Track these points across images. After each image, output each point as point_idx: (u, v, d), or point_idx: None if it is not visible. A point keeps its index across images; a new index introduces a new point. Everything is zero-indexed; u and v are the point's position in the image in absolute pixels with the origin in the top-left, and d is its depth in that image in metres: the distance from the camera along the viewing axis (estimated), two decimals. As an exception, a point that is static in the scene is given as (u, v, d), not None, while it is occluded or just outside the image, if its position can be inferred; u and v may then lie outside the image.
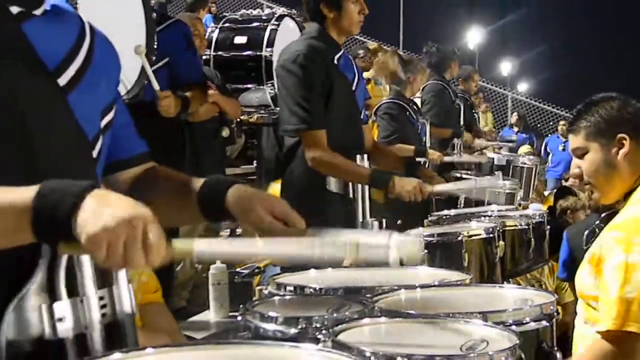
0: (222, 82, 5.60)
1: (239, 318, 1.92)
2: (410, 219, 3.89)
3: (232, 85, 5.86)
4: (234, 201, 1.64)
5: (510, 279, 3.86)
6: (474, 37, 32.59)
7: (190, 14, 6.86)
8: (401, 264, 1.58)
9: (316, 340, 1.64)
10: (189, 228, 4.94)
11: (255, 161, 7.18)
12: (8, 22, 1.48)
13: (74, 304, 1.42)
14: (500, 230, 3.46)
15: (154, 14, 4.10)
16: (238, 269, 4.32)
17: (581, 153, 2.65)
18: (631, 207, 2.54)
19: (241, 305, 1.94)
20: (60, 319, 1.39)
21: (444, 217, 3.97)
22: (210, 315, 3.82)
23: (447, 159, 5.75)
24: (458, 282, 2.26)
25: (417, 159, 5.38)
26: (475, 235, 3.29)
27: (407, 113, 5.74)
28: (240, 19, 6.41)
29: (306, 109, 3.40)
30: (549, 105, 18.62)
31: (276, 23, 6.06)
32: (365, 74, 6.03)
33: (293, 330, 1.78)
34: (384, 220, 3.52)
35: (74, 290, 1.43)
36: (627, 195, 2.61)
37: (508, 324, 1.75)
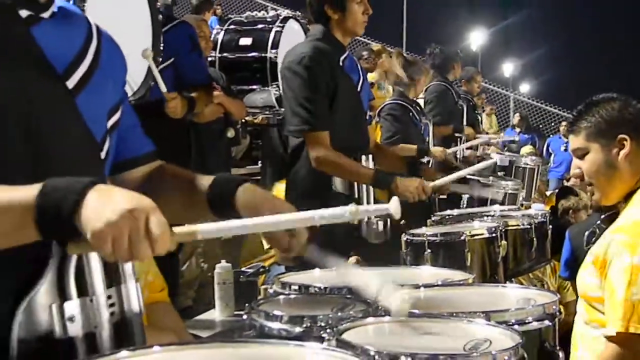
0: (227, 83, 5.60)
1: (244, 317, 1.92)
2: (413, 219, 3.89)
3: (237, 87, 5.87)
4: (243, 200, 1.64)
5: (513, 279, 3.86)
6: (476, 38, 32.59)
7: (195, 16, 6.87)
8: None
9: (321, 339, 1.63)
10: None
11: (260, 162, 7.18)
12: (18, 26, 1.48)
13: (83, 303, 1.42)
14: (503, 230, 3.45)
15: (160, 16, 4.10)
16: (243, 269, 4.32)
17: (581, 154, 2.62)
18: (634, 209, 2.51)
19: (246, 304, 1.94)
20: (70, 318, 1.40)
21: (447, 217, 3.97)
22: (216, 314, 3.81)
23: (449, 150, 5.75)
24: (461, 282, 2.26)
25: (420, 159, 5.39)
26: (478, 235, 3.29)
27: (410, 114, 5.73)
28: (245, 21, 6.41)
29: (310, 110, 3.40)
30: (550, 106, 18.61)
31: (281, 25, 6.06)
32: (370, 77, 6.03)
33: (298, 329, 1.78)
34: (388, 221, 3.52)
35: (83, 290, 1.43)
36: (628, 196, 2.58)
37: (511, 323, 1.75)
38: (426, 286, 2.14)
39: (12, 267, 1.36)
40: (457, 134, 6.72)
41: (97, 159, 1.59)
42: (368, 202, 3.48)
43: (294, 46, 3.67)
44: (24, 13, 1.50)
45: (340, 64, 3.58)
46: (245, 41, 6.16)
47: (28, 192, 1.28)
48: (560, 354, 1.83)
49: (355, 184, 3.50)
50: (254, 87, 6.02)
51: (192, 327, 3.42)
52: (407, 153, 5.36)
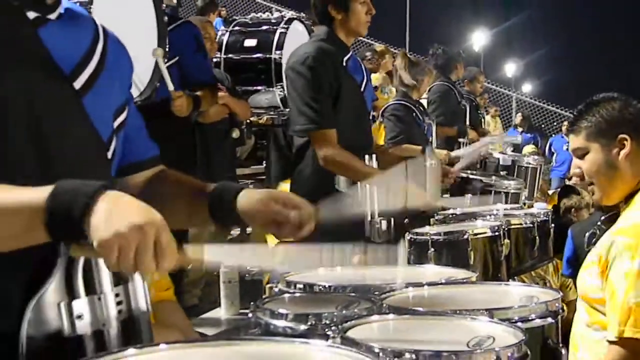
0: (232, 84, 5.61)
1: (250, 315, 1.92)
2: (417, 218, 3.88)
3: (242, 87, 5.87)
4: (244, 207, 1.66)
5: (515, 277, 3.85)
6: (479, 39, 32.56)
7: (200, 17, 6.89)
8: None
9: (325, 337, 1.63)
10: (198, 229, 4.95)
11: (264, 162, 7.18)
12: (25, 28, 1.49)
13: (91, 301, 1.43)
14: (506, 229, 3.45)
15: (165, 17, 4.11)
16: (248, 267, 4.32)
17: (582, 153, 2.60)
18: (636, 212, 2.47)
19: (252, 303, 1.94)
20: (78, 316, 1.40)
21: (450, 215, 3.96)
22: (222, 312, 3.83)
23: (453, 154, 5.74)
24: (464, 280, 2.26)
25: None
26: (481, 233, 3.28)
27: (414, 114, 5.73)
28: (250, 22, 6.41)
29: (315, 109, 3.40)
30: (552, 106, 18.59)
31: (285, 26, 6.07)
32: (373, 80, 6.03)
33: (303, 327, 1.78)
34: (391, 220, 3.52)
35: (91, 288, 1.43)
36: (629, 196, 2.55)
37: (514, 320, 1.74)
38: (430, 284, 2.14)
39: (21, 266, 1.37)
40: (460, 139, 6.71)
41: (104, 160, 1.59)
42: (371, 205, 3.48)
43: (298, 47, 3.67)
44: (31, 14, 1.50)
45: (344, 64, 3.58)
46: (250, 42, 6.17)
47: (38, 194, 1.28)
48: (563, 351, 1.82)
49: (359, 184, 3.49)
50: (259, 87, 6.02)
51: (198, 325, 3.44)
52: (412, 153, 5.35)
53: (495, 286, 2.29)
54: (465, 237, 3.21)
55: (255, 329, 1.87)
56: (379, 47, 8.75)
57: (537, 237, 3.79)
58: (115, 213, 1.26)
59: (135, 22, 3.79)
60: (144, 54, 3.82)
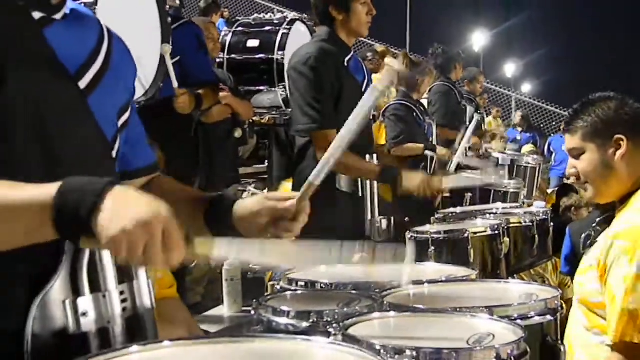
0: (235, 84, 5.61)
1: (252, 312, 1.92)
2: (417, 217, 3.89)
3: (245, 88, 5.87)
4: (239, 214, 1.68)
5: (515, 275, 3.85)
6: (479, 39, 32.53)
7: (203, 18, 6.88)
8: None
9: (327, 334, 1.64)
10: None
11: (266, 161, 7.18)
12: (31, 28, 1.49)
13: (96, 299, 1.43)
14: (505, 227, 3.46)
15: (169, 18, 4.11)
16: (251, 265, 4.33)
17: (577, 153, 2.56)
18: (634, 214, 2.42)
19: (254, 300, 1.94)
20: (83, 314, 1.40)
21: (451, 214, 3.97)
22: (224, 309, 3.82)
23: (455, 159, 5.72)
24: (464, 278, 2.26)
25: (427, 152, 5.40)
26: (481, 232, 3.28)
27: (414, 114, 5.73)
28: (252, 23, 6.41)
29: (317, 109, 3.40)
30: (551, 106, 18.58)
31: (288, 27, 6.06)
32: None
33: (305, 324, 1.78)
34: (392, 219, 3.52)
35: (96, 286, 1.43)
36: (625, 197, 2.50)
37: (513, 318, 1.75)
38: (431, 282, 2.14)
39: (26, 264, 1.37)
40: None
41: (109, 158, 1.60)
42: (372, 201, 3.48)
43: (300, 47, 3.67)
44: (36, 15, 1.50)
45: (345, 64, 3.58)
46: (253, 43, 6.16)
47: (45, 191, 1.27)
48: (562, 348, 1.82)
49: (360, 183, 3.49)
50: (261, 88, 6.02)
51: (201, 323, 3.43)
52: (414, 152, 5.36)
53: (495, 284, 2.29)
54: (466, 235, 3.21)
55: (257, 326, 1.87)
56: (379, 47, 8.74)
57: (536, 236, 3.80)
58: (122, 210, 1.25)
59: (139, 23, 3.79)
60: (148, 54, 3.82)
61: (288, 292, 2.12)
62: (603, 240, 2.40)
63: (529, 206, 5.27)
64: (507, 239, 3.40)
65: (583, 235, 2.63)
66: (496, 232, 3.32)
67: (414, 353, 1.43)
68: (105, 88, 1.58)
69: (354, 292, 2.02)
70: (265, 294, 2.23)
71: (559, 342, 1.84)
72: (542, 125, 18.09)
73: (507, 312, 1.78)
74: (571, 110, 2.63)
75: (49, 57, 1.48)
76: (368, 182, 3.51)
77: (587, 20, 45.00)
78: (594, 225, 2.60)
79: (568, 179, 2.72)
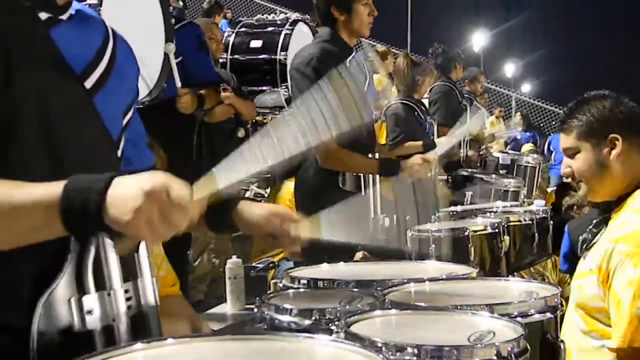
0: (238, 84, 5.61)
1: (255, 310, 1.92)
2: (418, 215, 3.88)
3: (248, 88, 5.87)
4: (245, 220, 1.72)
5: (515, 273, 3.85)
6: (478, 40, 32.51)
7: (207, 19, 6.89)
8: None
9: (329, 331, 1.63)
10: (199, 235, 4.96)
11: (269, 160, 7.18)
12: (38, 29, 1.49)
13: (101, 297, 1.43)
14: (505, 226, 3.45)
15: (172, 19, 4.11)
16: (253, 264, 4.33)
17: (572, 152, 2.52)
18: (634, 216, 2.38)
19: (257, 298, 1.94)
20: (89, 312, 1.41)
21: (451, 213, 3.96)
22: (227, 307, 3.82)
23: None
24: (465, 276, 2.26)
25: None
26: (481, 230, 3.28)
27: (416, 113, 5.73)
28: (255, 23, 6.41)
29: (317, 110, 3.39)
30: (551, 105, 18.57)
31: (290, 28, 6.06)
32: (376, 82, 6.02)
33: (307, 322, 1.78)
34: (394, 217, 3.52)
35: (101, 284, 1.44)
36: (620, 199, 2.46)
37: (514, 315, 1.74)
38: (432, 280, 2.14)
39: (32, 262, 1.37)
40: (461, 143, 6.69)
41: (115, 157, 1.60)
42: (374, 199, 3.48)
43: (302, 48, 3.67)
44: (43, 15, 1.50)
45: (347, 64, 3.58)
46: (256, 44, 6.16)
47: (51, 190, 1.28)
48: (562, 346, 1.82)
49: (362, 182, 3.49)
50: (264, 88, 6.02)
51: (204, 320, 3.43)
52: (414, 150, 5.35)
53: (495, 282, 2.28)
54: (466, 233, 3.21)
55: (260, 323, 1.87)
56: (380, 48, 8.74)
57: (536, 234, 3.79)
58: (125, 195, 1.27)
59: (143, 24, 3.79)
60: (152, 55, 3.82)
61: (290, 290, 2.12)
62: (603, 244, 2.36)
63: (529, 205, 5.27)
64: (507, 237, 3.39)
65: (580, 238, 2.59)
66: (496, 230, 3.31)
67: (415, 350, 1.43)
68: (110, 88, 1.58)
69: (355, 290, 2.02)
70: (268, 292, 2.24)
71: (559, 339, 1.84)
72: (541, 125, 18.09)
73: (507, 309, 1.77)
74: (566, 108, 2.59)
75: (55, 58, 1.49)
76: (371, 181, 3.51)
77: (587, 20, 44.90)
78: (591, 227, 2.56)
79: (567, 177, 2.69)
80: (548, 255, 4.17)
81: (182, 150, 4.68)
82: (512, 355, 1.45)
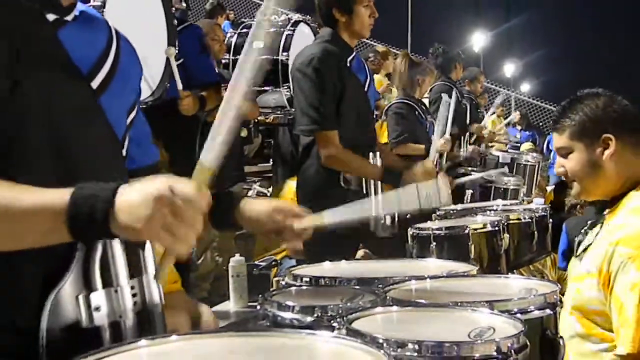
0: (240, 85, 5.61)
1: (258, 307, 1.92)
2: (419, 213, 3.89)
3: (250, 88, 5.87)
4: (247, 217, 1.72)
5: (514, 270, 3.85)
6: (478, 40, 32.48)
7: (209, 20, 6.89)
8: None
9: (331, 328, 1.64)
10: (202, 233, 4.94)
11: (271, 159, 7.19)
12: (46, 30, 1.49)
13: (108, 293, 1.44)
14: (505, 224, 3.45)
15: (175, 20, 4.11)
16: (256, 262, 4.34)
17: (565, 152, 2.46)
18: (632, 217, 2.30)
19: (260, 296, 1.94)
20: (96, 308, 1.41)
21: (452, 211, 3.97)
22: (230, 305, 3.83)
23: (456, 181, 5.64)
24: (465, 273, 2.26)
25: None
26: (481, 228, 3.28)
27: (416, 113, 5.73)
28: (257, 24, 6.40)
29: (320, 110, 3.41)
30: (550, 105, 18.55)
31: (292, 29, 6.07)
32: (376, 83, 6.03)
33: (309, 319, 1.78)
34: (395, 215, 3.52)
35: (108, 281, 1.44)
36: (614, 199, 2.40)
37: (513, 312, 1.74)
38: (432, 277, 2.14)
39: (40, 260, 1.37)
40: (461, 141, 6.70)
41: (120, 156, 1.61)
42: (375, 198, 3.48)
43: (303, 48, 3.68)
44: (50, 17, 1.51)
45: (348, 64, 3.58)
46: (258, 44, 6.16)
47: (58, 197, 1.28)
48: (561, 342, 1.82)
49: (364, 180, 3.50)
50: (266, 88, 6.03)
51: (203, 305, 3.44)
52: (415, 152, 5.36)
53: (495, 279, 2.28)
54: (466, 231, 3.21)
55: (263, 320, 1.87)
56: (381, 48, 8.75)
57: (535, 232, 3.79)
58: (133, 204, 1.26)
59: (146, 25, 3.79)
60: (155, 56, 3.82)
61: (293, 288, 2.12)
62: (601, 245, 2.29)
63: (528, 203, 5.27)
64: (506, 235, 3.39)
65: (576, 240, 2.55)
66: (496, 228, 3.31)
67: (416, 346, 1.43)
68: (114, 89, 1.59)
69: (357, 287, 2.02)
70: (271, 290, 2.24)
71: (558, 335, 1.84)
72: (540, 124, 18.07)
73: (507, 306, 1.77)
74: (559, 107, 2.53)
75: (63, 59, 1.49)
76: (372, 180, 3.51)
77: (587, 20, 44.75)
78: (585, 228, 2.52)
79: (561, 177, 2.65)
80: (547, 253, 4.17)
81: (184, 149, 4.68)
82: (512, 351, 1.45)
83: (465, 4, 39.64)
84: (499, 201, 4.65)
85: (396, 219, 3.49)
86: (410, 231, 3.26)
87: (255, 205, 1.72)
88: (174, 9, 4.19)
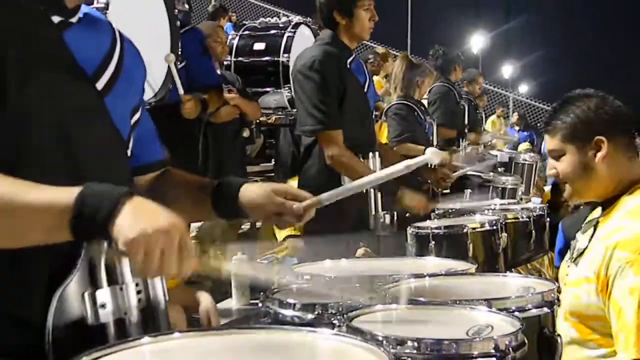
0: (242, 86, 5.62)
1: (260, 305, 1.92)
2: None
3: (252, 89, 5.88)
4: (246, 201, 1.69)
5: (512, 269, 3.84)
6: (477, 42, 32.47)
7: (212, 22, 6.90)
8: None
9: (332, 325, 1.64)
10: (210, 224, 4.96)
11: (273, 159, 7.19)
12: (52, 32, 1.49)
13: (114, 291, 1.44)
14: (503, 223, 3.44)
15: (178, 22, 4.12)
16: (258, 260, 4.33)
17: (557, 155, 2.41)
18: (629, 221, 2.25)
19: (261, 293, 1.94)
20: (102, 305, 1.42)
21: (450, 210, 3.96)
22: (233, 302, 3.83)
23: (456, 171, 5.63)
24: (464, 272, 2.26)
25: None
26: (479, 227, 3.28)
27: (415, 113, 5.73)
28: (259, 26, 6.42)
29: (322, 111, 3.41)
30: (548, 106, 18.53)
31: (292, 30, 6.08)
32: (376, 85, 6.04)
33: (310, 316, 1.78)
34: (394, 214, 3.52)
35: (113, 278, 1.44)
36: (608, 201, 2.36)
37: (511, 310, 1.74)
38: (431, 275, 2.14)
39: (46, 258, 1.38)
40: (460, 139, 6.69)
41: (124, 156, 1.61)
42: (375, 199, 3.48)
43: (304, 50, 3.68)
44: (55, 19, 1.51)
45: (348, 66, 3.58)
46: (259, 46, 6.18)
47: (66, 194, 1.29)
48: (559, 340, 1.82)
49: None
50: (268, 89, 6.05)
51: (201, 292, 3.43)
52: (414, 153, 5.35)
53: (493, 277, 2.28)
54: (465, 230, 3.21)
55: (264, 318, 1.87)
56: (380, 49, 8.74)
57: (533, 231, 3.79)
58: (141, 215, 1.27)
59: (149, 27, 3.80)
60: (158, 58, 3.83)
61: (294, 286, 2.12)
62: (597, 249, 2.25)
63: (526, 202, 5.27)
64: (504, 234, 3.38)
65: (572, 242, 2.52)
66: (494, 227, 3.31)
67: (415, 344, 1.44)
68: (119, 90, 1.59)
69: (357, 285, 2.02)
70: (272, 288, 2.23)
71: (556, 333, 1.84)
72: (538, 124, 18.05)
73: (505, 304, 1.77)
74: (551, 109, 2.48)
75: (68, 60, 1.49)
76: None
77: (587, 20, 44.60)
78: (579, 232, 2.49)
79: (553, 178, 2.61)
80: (545, 251, 4.17)
81: (188, 150, 4.69)
82: (510, 348, 1.45)
83: (465, 5, 39.64)
84: (497, 200, 4.64)
85: (395, 217, 3.49)
86: (409, 230, 3.26)
87: (254, 188, 1.71)
88: (176, 11, 4.19)
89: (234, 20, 10.96)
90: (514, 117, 15.50)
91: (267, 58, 6.13)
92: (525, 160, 6.78)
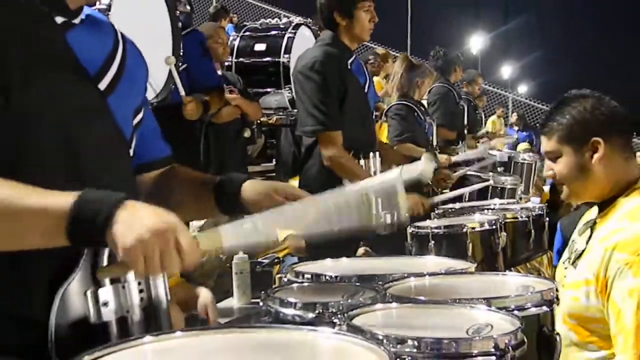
0: (243, 86, 5.62)
1: (261, 304, 1.92)
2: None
3: (253, 90, 5.89)
4: (248, 198, 1.69)
5: (511, 268, 3.84)
6: (476, 42, 32.47)
7: (213, 23, 6.91)
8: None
9: (332, 324, 1.64)
10: (213, 220, 4.95)
11: (274, 159, 7.20)
12: (55, 33, 1.50)
13: (116, 289, 1.44)
14: (502, 222, 3.44)
15: (180, 24, 4.12)
16: (259, 259, 4.33)
17: (554, 156, 2.39)
18: (627, 222, 2.23)
19: (262, 292, 1.94)
20: (104, 304, 1.42)
21: (450, 210, 3.96)
22: (234, 301, 3.83)
23: (454, 159, 5.70)
24: (463, 271, 2.26)
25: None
26: (479, 227, 3.28)
27: (415, 114, 5.73)
28: (259, 27, 6.42)
29: (323, 111, 3.41)
30: (547, 106, 18.52)
31: (293, 31, 6.08)
32: (377, 86, 6.04)
33: (311, 315, 1.78)
34: (395, 214, 3.52)
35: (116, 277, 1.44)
36: (605, 202, 2.35)
37: (511, 309, 1.74)
38: (431, 274, 2.14)
39: (49, 257, 1.38)
40: (460, 142, 6.69)
41: (127, 156, 1.61)
42: (375, 200, 3.48)
43: (305, 51, 3.68)
44: (59, 19, 1.51)
45: (348, 67, 3.59)
46: (260, 47, 6.19)
47: (63, 200, 1.29)
48: (558, 338, 1.82)
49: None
50: (269, 89, 6.05)
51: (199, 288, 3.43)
52: (415, 153, 5.35)
53: (493, 276, 2.27)
54: (464, 230, 3.21)
55: (265, 317, 1.87)
56: (380, 50, 8.74)
57: (532, 231, 3.79)
58: (135, 221, 1.27)
59: (151, 28, 3.80)
60: (160, 59, 3.83)
61: (295, 285, 2.12)
62: (596, 251, 2.23)
63: (525, 202, 5.27)
64: (504, 234, 3.38)
65: (570, 242, 2.51)
66: (493, 227, 3.31)
67: (415, 342, 1.44)
68: (121, 90, 1.59)
69: (357, 284, 2.02)
70: (273, 286, 2.23)
71: (555, 332, 1.83)
72: (537, 124, 18.04)
73: (504, 303, 1.77)
74: (547, 110, 2.46)
75: (71, 60, 1.50)
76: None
77: (586, 20, 44.54)
78: (576, 234, 2.48)
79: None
80: (544, 251, 4.16)
81: (190, 150, 4.70)
82: (510, 347, 1.45)
83: (464, 6, 39.61)
84: (497, 200, 4.64)
85: (395, 217, 3.49)
86: (409, 229, 3.26)
87: (256, 185, 1.71)
88: (178, 12, 4.19)
89: (235, 22, 10.96)
90: (513, 117, 15.50)
91: (268, 59, 6.13)
92: (525, 160, 6.78)
